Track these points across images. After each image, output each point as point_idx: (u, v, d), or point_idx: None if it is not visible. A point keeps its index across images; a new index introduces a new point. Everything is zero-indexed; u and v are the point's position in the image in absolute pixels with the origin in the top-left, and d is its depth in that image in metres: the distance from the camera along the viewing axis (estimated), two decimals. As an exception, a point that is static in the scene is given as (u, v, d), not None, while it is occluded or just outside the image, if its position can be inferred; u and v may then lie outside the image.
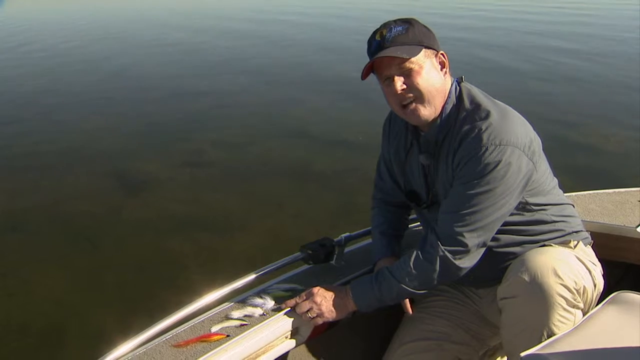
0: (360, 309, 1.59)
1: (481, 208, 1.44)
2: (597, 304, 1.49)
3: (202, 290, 1.61)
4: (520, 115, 1.51)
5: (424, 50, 1.48)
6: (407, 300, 1.65)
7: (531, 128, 1.51)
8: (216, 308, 1.61)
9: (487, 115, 1.46)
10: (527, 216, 1.54)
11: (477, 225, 1.45)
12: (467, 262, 1.49)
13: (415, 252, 1.53)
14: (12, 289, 3.44)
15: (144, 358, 1.43)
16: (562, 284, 1.40)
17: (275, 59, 10.79)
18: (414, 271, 1.51)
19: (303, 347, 1.75)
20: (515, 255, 1.53)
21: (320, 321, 1.58)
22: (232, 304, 1.63)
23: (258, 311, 1.59)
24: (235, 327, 1.54)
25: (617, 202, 2.17)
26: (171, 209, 4.48)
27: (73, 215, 4.40)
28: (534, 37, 12.29)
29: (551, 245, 1.54)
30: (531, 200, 1.52)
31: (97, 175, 5.19)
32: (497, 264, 1.56)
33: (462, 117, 1.50)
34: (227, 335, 1.50)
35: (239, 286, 1.66)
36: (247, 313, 1.58)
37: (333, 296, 1.58)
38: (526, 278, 1.42)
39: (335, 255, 1.83)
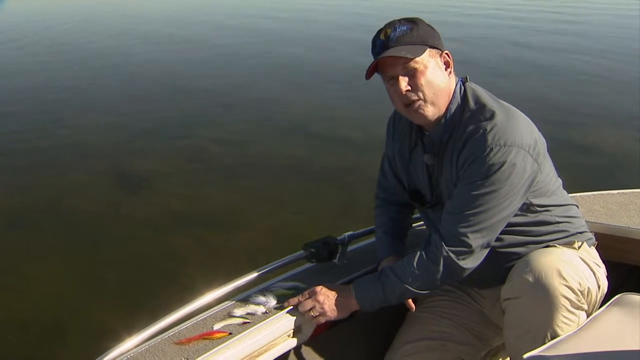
0: (363, 308, 1.58)
1: (485, 209, 1.44)
2: (600, 306, 1.49)
3: (204, 287, 1.61)
4: (525, 116, 1.51)
5: (428, 49, 1.47)
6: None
7: (536, 129, 1.50)
8: (219, 306, 1.61)
9: (492, 115, 1.45)
10: (531, 217, 1.54)
11: (481, 226, 1.45)
12: (470, 263, 1.48)
13: (419, 252, 1.52)
14: (13, 285, 3.45)
15: (146, 355, 1.43)
16: (566, 285, 1.40)
17: (276, 56, 10.77)
18: (417, 271, 1.51)
19: (305, 346, 1.75)
20: (519, 256, 1.53)
21: (322, 320, 1.58)
22: (235, 301, 1.63)
23: (260, 309, 1.59)
24: (238, 324, 1.54)
25: (621, 203, 2.16)
26: (171, 205, 4.48)
27: (74, 211, 4.40)
28: (534, 37, 12.28)
29: (555, 246, 1.54)
30: (535, 201, 1.52)
31: (98, 171, 5.19)
32: (501, 264, 1.56)
33: (467, 117, 1.49)
34: (230, 333, 1.50)
35: (242, 284, 1.65)
36: (249, 311, 1.58)
37: (336, 295, 1.58)
38: (530, 279, 1.41)
39: (338, 254, 1.83)
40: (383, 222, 1.81)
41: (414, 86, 1.47)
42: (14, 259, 3.73)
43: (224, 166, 5.34)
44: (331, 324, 1.65)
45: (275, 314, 1.58)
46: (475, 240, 1.46)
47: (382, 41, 1.48)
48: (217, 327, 1.53)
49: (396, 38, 1.46)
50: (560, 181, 1.63)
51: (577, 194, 2.18)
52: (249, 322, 1.54)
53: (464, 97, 1.52)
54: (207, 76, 9.14)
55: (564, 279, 1.40)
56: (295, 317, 1.58)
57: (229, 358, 1.44)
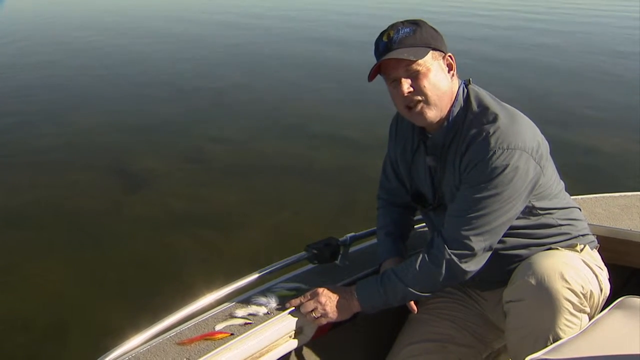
0: (365, 310, 1.58)
1: (488, 212, 1.44)
2: (603, 309, 1.49)
3: (205, 286, 1.61)
4: (528, 119, 1.51)
5: (431, 52, 1.47)
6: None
7: (539, 131, 1.50)
8: (221, 306, 1.61)
9: (495, 118, 1.45)
10: (534, 220, 1.54)
11: (484, 229, 1.45)
12: (473, 266, 1.49)
13: (421, 255, 1.52)
14: (15, 284, 3.44)
15: (148, 355, 1.44)
16: (569, 288, 1.40)
17: (276, 56, 10.77)
18: (419, 274, 1.51)
19: (307, 347, 1.75)
20: (521, 258, 1.53)
21: (324, 321, 1.58)
22: (237, 302, 1.63)
23: (262, 310, 1.59)
24: (240, 325, 1.54)
25: (623, 205, 2.16)
26: (172, 205, 4.48)
27: (75, 211, 4.39)
28: (533, 37, 12.27)
29: (557, 249, 1.54)
30: (537, 204, 1.52)
31: (98, 171, 5.19)
32: (503, 266, 1.56)
33: (470, 120, 1.49)
34: (232, 334, 1.50)
35: (244, 285, 1.66)
36: (251, 312, 1.58)
37: (338, 297, 1.58)
38: (533, 281, 1.41)
39: (340, 255, 1.83)
40: (385, 223, 1.81)
41: (417, 88, 1.47)
42: (16, 259, 3.73)
43: (225, 166, 5.34)
44: (333, 326, 1.64)
45: (277, 315, 1.58)
46: (477, 243, 1.46)
47: (385, 43, 1.48)
48: (219, 327, 1.53)
49: (399, 40, 1.46)
50: (562, 184, 1.63)
51: (579, 197, 2.18)
52: (250, 323, 1.54)
53: (467, 99, 1.52)
54: (207, 76, 9.14)
55: (566, 281, 1.40)
56: (297, 318, 1.58)
57: (231, 359, 1.44)
